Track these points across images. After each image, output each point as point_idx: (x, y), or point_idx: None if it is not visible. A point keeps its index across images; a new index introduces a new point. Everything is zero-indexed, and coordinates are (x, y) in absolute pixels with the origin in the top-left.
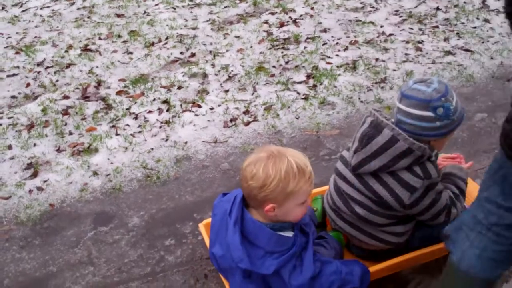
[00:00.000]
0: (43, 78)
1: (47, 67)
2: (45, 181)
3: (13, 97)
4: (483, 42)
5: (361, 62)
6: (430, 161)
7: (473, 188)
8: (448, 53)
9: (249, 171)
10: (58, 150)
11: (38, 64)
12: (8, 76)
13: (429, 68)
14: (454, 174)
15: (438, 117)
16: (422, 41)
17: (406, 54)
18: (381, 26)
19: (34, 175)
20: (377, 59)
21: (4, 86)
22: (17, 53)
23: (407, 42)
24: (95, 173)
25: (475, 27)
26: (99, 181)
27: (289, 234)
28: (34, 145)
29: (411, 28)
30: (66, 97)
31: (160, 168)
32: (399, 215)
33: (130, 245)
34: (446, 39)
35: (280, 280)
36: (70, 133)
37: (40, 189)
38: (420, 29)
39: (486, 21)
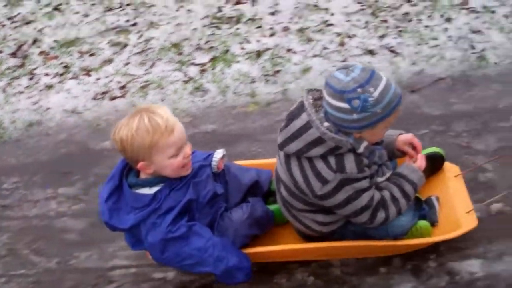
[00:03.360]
0: None
1: None
2: None
3: None
4: (419, 44)
5: (271, 51)
6: (355, 153)
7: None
8: (370, 52)
9: (112, 138)
10: None
11: None
12: None
13: (333, 66)
14: (404, 175)
15: (354, 109)
16: (355, 35)
17: (325, 48)
18: (332, 14)
19: None
20: (289, 50)
21: None
22: None
23: (339, 34)
24: None
25: (427, 26)
26: None
27: (151, 190)
28: None
29: (359, 20)
30: None
31: (10, 129)
32: (316, 204)
33: None
34: (382, 36)
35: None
36: None
37: None
38: (367, 22)
39: (448, 20)
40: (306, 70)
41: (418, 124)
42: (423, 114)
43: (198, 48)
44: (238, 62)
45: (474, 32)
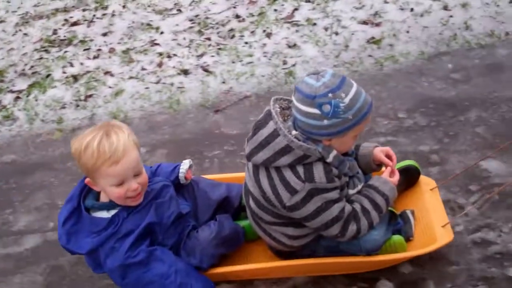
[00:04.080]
0: None
1: None
2: None
3: None
4: (233, 62)
5: (90, 74)
6: (324, 163)
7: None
8: (184, 72)
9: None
10: None
11: None
12: None
13: (146, 88)
14: (374, 187)
15: (325, 115)
16: (175, 54)
17: (144, 69)
18: (161, 33)
19: None
20: (107, 72)
21: None
22: None
23: (161, 54)
24: None
25: (247, 42)
26: None
27: (109, 214)
28: None
29: (184, 38)
30: None
31: None
32: (286, 216)
33: None
34: (201, 55)
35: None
36: None
37: None
38: (191, 40)
39: (268, 35)
40: (118, 93)
41: (213, 145)
42: (221, 135)
43: (22, 74)
44: (54, 87)
45: (290, 46)
